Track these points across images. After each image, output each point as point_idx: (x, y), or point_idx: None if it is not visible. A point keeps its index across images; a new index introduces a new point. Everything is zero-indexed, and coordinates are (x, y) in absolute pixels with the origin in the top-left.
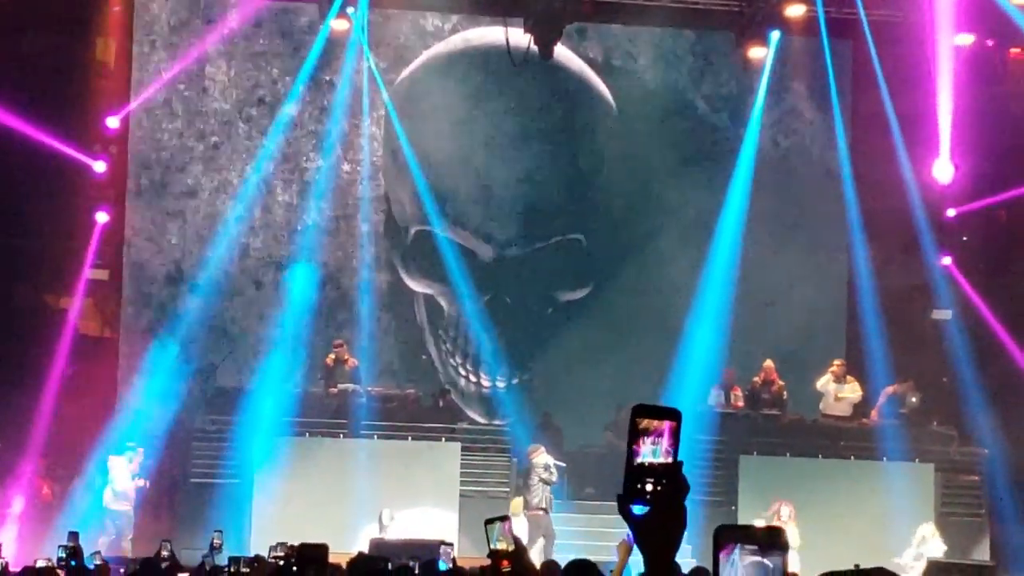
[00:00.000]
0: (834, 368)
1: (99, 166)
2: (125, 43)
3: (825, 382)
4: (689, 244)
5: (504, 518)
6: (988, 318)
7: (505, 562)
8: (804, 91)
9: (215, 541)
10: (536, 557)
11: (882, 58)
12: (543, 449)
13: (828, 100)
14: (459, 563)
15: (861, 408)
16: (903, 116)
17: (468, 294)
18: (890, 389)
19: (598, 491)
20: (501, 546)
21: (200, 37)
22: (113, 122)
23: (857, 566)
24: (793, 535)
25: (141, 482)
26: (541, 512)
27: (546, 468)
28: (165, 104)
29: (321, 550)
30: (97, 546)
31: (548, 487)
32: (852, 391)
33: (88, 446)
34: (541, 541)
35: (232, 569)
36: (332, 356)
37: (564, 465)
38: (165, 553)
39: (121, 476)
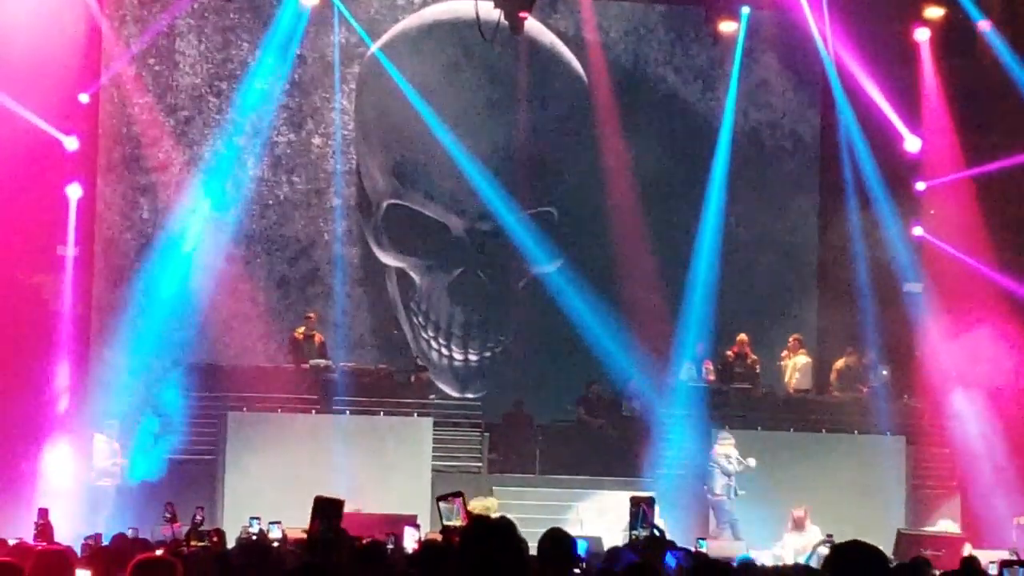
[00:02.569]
0: (790, 344)
1: (71, 143)
2: (95, 17)
3: (785, 361)
4: (660, 216)
5: (457, 494)
6: (958, 291)
7: (456, 538)
8: (775, 65)
9: (197, 517)
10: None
11: (853, 31)
12: (730, 440)
13: (799, 73)
14: (430, 537)
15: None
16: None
17: (440, 267)
18: (839, 363)
19: (569, 466)
20: (455, 523)
21: (170, 11)
22: (84, 97)
23: (829, 535)
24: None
25: (122, 460)
26: (721, 498)
27: (726, 457)
28: (136, 79)
29: (336, 504)
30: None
31: (728, 476)
32: (801, 360)
33: (58, 423)
34: (728, 530)
35: (193, 542)
36: (301, 330)
37: (752, 464)
38: (168, 515)
39: (102, 454)
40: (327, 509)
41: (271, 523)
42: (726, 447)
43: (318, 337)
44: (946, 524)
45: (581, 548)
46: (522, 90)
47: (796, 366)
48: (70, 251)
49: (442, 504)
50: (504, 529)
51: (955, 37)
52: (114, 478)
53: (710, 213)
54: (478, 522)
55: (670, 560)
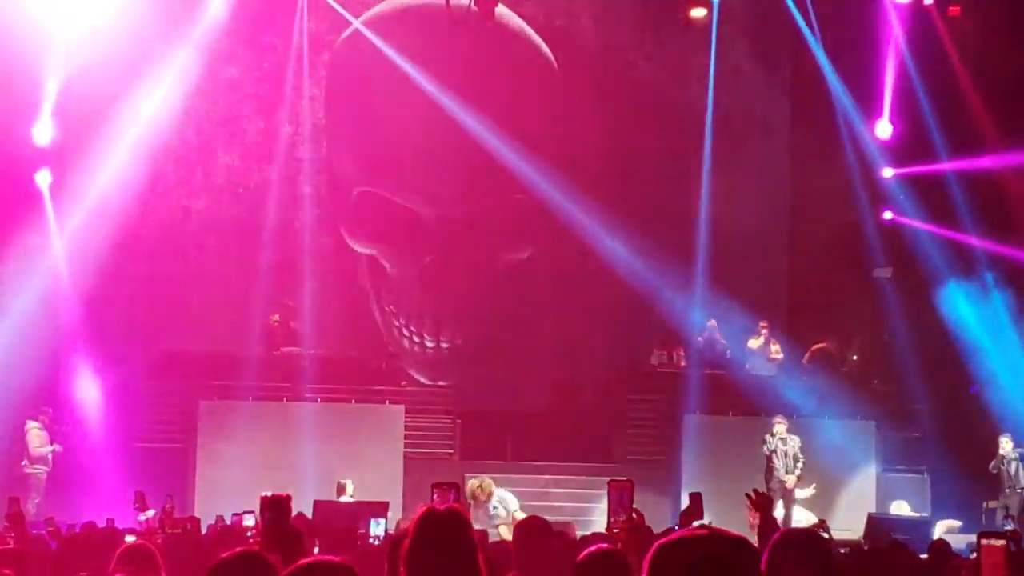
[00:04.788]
0: (764, 331)
1: (44, 132)
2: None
3: (760, 344)
4: (631, 203)
5: (452, 485)
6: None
7: None
8: (746, 50)
9: (167, 506)
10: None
11: (824, 17)
12: (781, 424)
13: (771, 60)
14: (402, 524)
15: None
16: (845, 75)
17: (411, 255)
18: (816, 347)
19: (540, 451)
20: None
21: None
22: (52, 85)
23: (823, 520)
24: None
25: (55, 447)
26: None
27: (772, 437)
28: (102, 67)
29: (282, 500)
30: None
31: (787, 457)
32: (776, 352)
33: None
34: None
35: (168, 529)
36: (276, 317)
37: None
38: (137, 504)
39: (35, 440)
40: (272, 507)
41: (245, 512)
42: (772, 433)
43: (292, 325)
44: (898, 505)
45: None
46: (492, 77)
47: (776, 352)
48: (55, 240)
49: (436, 493)
50: (453, 519)
51: (925, 24)
52: (48, 465)
53: (703, 202)
54: (427, 512)
55: None
